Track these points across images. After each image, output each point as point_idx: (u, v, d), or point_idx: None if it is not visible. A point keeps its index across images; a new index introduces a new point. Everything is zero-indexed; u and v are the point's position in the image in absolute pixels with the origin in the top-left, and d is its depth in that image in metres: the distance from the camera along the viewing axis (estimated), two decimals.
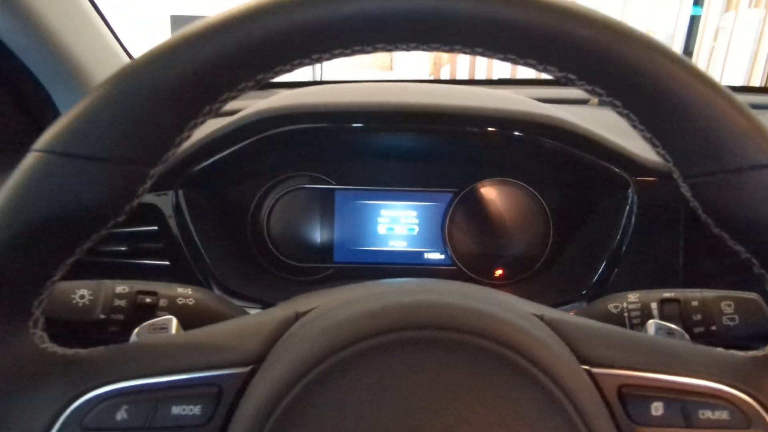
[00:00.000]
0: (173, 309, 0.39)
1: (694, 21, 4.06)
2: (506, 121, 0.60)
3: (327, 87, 0.71)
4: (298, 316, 0.29)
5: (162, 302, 0.40)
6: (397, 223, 0.70)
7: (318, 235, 0.69)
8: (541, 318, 0.29)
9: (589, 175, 0.63)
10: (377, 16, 0.24)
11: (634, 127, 0.27)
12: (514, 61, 0.26)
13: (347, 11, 0.24)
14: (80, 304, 0.38)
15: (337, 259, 0.70)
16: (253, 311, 0.40)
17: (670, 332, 0.35)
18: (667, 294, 0.40)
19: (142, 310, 0.39)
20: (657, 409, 0.26)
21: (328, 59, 0.27)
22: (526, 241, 0.69)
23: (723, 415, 0.26)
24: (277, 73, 0.26)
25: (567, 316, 0.30)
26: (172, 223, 0.59)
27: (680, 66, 0.25)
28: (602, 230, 0.62)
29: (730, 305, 0.39)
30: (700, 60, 3.60)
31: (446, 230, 0.69)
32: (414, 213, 0.70)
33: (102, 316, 0.38)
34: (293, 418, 0.24)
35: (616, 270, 0.60)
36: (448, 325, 0.25)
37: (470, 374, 0.25)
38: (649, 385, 0.27)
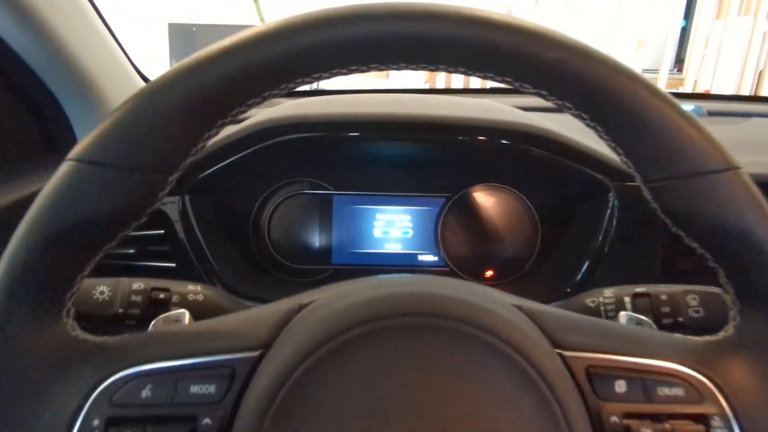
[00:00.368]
0: (184, 304, 0.42)
1: (685, 30, 4.09)
2: (495, 130, 0.62)
3: (326, 98, 0.72)
4: (301, 307, 0.31)
5: (174, 298, 0.42)
6: (393, 227, 0.72)
7: (317, 238, 0.71)
8: (519, 308, 0.31)
9: (573, 181, 0.65)
10: (372, 40, 0.27)
11: (601, 137, 0.30)
12: (493, 79, 0.29)
13: (346, 37, 0.27)
14: (100, 300, 0.41)
15: (335, 261, 0.72)
16: None
17: (639, 322, 0.38)
18: (639, 289, 0.43)
19: (156, 305, 0.42)
20: (620, 386, 0.29)
21: (327, 78, 0.30)
22: (515, 243, 0.71)
23: (679, 391, 0.29)
24: (283, 90, 0.29)
25: (542, 306, 0.32)
26: (179, 227, 0.61)
27: (639, 84, 0.28)
28: (585, 232, 0.64)
29: (695, 298, 0.42)
30: (690, 68, 3.63)
31: (439, 233, 0.71)
32: (408, 217, 0.72)
33: (120, 311, 0.41)
34: (298, 395, 0.27)
35: (598, 269, 0.62)
36: (435, 312, 0.28)
37: (455, 356, 0.27)
38: (613, 366, 0.29)
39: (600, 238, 0.62)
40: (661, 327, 0.41)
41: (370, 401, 0.27)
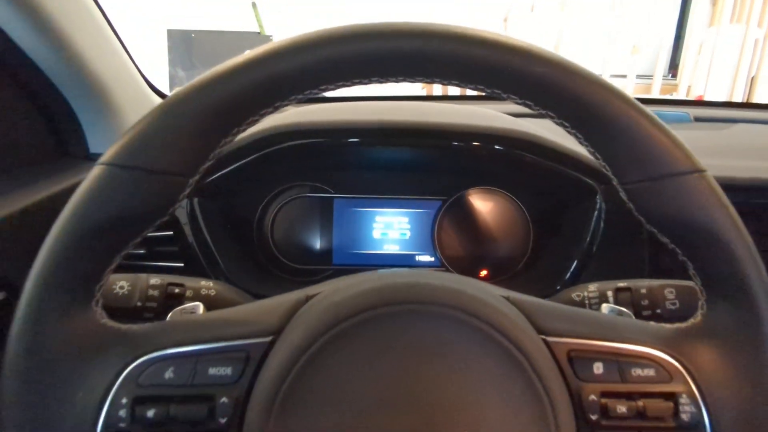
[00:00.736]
0: (197, 298, 0.45)
1: (679, 37, 4.13)
2: (489, 136, 0.65)
3: (328, 105, 0.74)
4: (308, 298, 0.34)
5: (188, 293, 0.45)
6: (391, 229, 0.74)
7: (318, 239, 0.73)
8: (507, 298, 0.34)
9: (563, 184, 0.67)
10: (375, 56, 0.30)
11: (580, 143, 0.33)
12: (483, 90, 0.32)
13: (349, 53, 0.30)
14: (120, 294, 0.43)
15: (336, 262, 0.73)
16: None
17: (619, 313, 0.40)
18: (621, 284, 0.46)
19: (171, 299, 0.44)
20: (598, 368, 0.32)
21: (332, 90, 0.33)
22: (508, 243, 0.73)
23: (650, 372, 0.32)
24: (292, 101, 0.32)
25: (528, 297, 0.35)
26: (188, 229, 0.64)
27: (613, 95, 0.30)
28: (575, 232, 0.66)
29: (672, 292, 0.45)
30: (684, 73, 3.67)
31: (435, 235, 0.73)
32: (406, 219, 0.74)
33: (139, 304, 0.43)
34: (306, 376, 0.30)
35: (587, 268, 0.64)
36: (429, 300, 0.31)
37: (447, 340, 0.30)
38: (592, 350, 0.32)
39: (588, 239, 0.64)
40: (641, 318, 0.43)
41: (371, 381, 0.29)
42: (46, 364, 0.29)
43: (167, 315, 0.40)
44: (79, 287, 0.30)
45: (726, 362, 0.31)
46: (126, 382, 0.30)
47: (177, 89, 0.31)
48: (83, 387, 0.30)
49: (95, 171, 0.30)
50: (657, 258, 0.62)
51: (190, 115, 0.30)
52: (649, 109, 0.31)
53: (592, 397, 0.31)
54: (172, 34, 3.20)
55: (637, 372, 0.32)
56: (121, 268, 0.34)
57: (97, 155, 0.70)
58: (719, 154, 0.71)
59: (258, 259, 0.72)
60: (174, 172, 0.30)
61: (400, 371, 0.30)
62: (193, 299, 0.45)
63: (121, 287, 0.44)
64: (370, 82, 0.32)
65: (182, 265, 0.64)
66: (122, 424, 0.30)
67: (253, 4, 3.25)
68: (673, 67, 4.15)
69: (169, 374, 0.31)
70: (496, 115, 0.71)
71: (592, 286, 0.48)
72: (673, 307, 0.44)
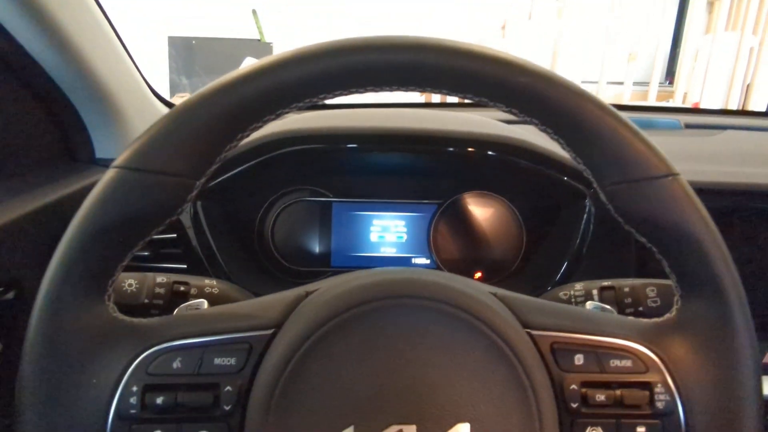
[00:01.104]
0: (202, 296, 0.47)
1: (676, 44, 4.16)
2: (483, 142, 0.67)
3: (327, 112, 0.77)
4: (307, 293, 0.36)
5: (193, 290, 0.47)
6: (388, 232, 0.76)
7: (317, 242, 0.75)
8: (495, 294, 0.37)
9: (553, 188, 0.69)
10: (370, 67, 0.32)
11: (563, 147, 0.35)
12: (471, 98, 0.34)
13: (348, 64, 0.32)
14: (128, 291, 0.45)
15: (334, 264, 0.75)
16: None
17: (602, 310, 0.43)
18: (605, 283, 0.48)
19: (177, 297, 0.46)
20: (579, 359, 0.34)
21: (330, 98, 0.35)
22: (502, 246, 0.75)
23: (627, 363, 0.34)
24: (293, 108, 0.34)
25: (514, 293, 0.37)
26: (191, 231, 0.65)
27: (591, 103, 0.32)
28: (565, 235, 0.68)
29: (653, 290, 0.47)
30: (680, 81, 3.70)
31: (431, 238, 0.75)
32: (402, 222, 0.76)
33: (146, 300, 0.45)
34: (305, 365, 0.32)
35: (577, 269, 0.66)
36: (420, 295, 0.33)
37: (437, 332, 0.32)
38: (573, 342, 0.34)
39: (578, 241, 0.67)
40: (625, 315, 0.45)
41: (365, 369, 0.31)
42: (63, 352, 0.31)
43: (173, 312, 0.42)
44: (93, 282, 0.32)
45: (698, 354, 0.33)
46: (136, 371, 0.32)
47: (185, 98, 0.33)
48: (97, 375, 0.32)
49: (109, 174, 0.32)
50: (644, 259, 0.64)
51: (199, 121, 0.32)
52: (626, 115, 0.33)
53: (573, 386, 0.33)
54: (173, 41, 3.23)
55: (615, 363, 0.34)
56: (127, 270, 0.36)
57: (103, 160, 0.72)
58: (705, 160, 0.73)
59: (259, 261, 0.74)
60: (183, 175, 0.32)
61: (392, 360, 0.32)
62: (197, 297, 0.47)
63: (130, 285, 0.46)
64: (366, 91, 0.34)
65: (186, 266, 0.66)
66: (133, 411, 0.32)
67: (254, 12, 3.28)
68: (670, 75, 4.18)
69: (177, 364, 0.33)
70: (490, 123, 0.73)
71: (579, 285, 0.50)
72: (654, 305, 0.46)
